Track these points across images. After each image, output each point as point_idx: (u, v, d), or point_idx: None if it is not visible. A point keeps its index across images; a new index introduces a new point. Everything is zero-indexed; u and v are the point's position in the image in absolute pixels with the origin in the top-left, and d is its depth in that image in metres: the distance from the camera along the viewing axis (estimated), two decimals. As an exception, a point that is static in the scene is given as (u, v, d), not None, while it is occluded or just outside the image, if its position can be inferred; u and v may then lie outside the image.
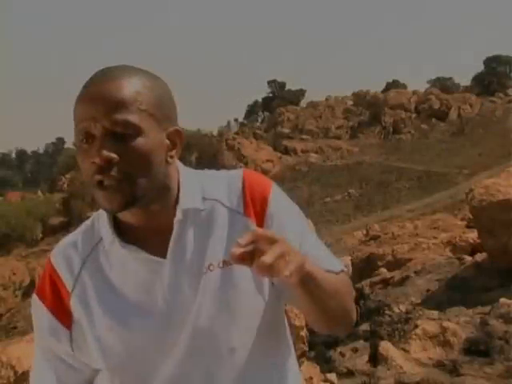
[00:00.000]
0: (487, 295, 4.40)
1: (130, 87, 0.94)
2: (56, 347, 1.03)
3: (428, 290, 5.03)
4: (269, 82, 70.41)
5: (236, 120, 74.13)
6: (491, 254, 4.87)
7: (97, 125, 0.92)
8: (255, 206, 1.05)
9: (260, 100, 72.01)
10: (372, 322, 4.00)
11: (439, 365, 3.25)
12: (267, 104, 64.52)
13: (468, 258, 5.70)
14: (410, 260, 7.06)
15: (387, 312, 4.12)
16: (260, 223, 1.03)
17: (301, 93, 66.98)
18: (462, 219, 11.84)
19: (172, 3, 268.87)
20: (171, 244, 1.00)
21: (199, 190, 1.05)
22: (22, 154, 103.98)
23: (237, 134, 53.00)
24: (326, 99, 55.81)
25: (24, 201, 40.79)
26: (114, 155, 0.91)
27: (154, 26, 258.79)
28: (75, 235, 1.09)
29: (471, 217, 6.52)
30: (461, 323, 3.65)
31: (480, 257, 5.24)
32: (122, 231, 1.01)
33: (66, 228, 36.01)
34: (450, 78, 64.42)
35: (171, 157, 1.00)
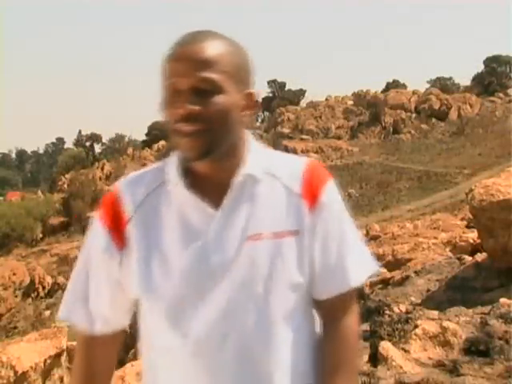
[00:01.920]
0: (487, 295, 4.40)
1: (215, 50, 1.03)
2: (106, 265, 1.11)
3: (428, 290, 5.03)
4: (269, 82, 70.40)
5: (236, 120, 74.16)
6: (491, 254, 4.87)
7: (184, 80, 1.02)
8: (311, 191, 1.11)
9: (260, 100, 71.90)
10: (372, 322, 4.00)
11: (439, 365, 3.25)
12: (267, 104, 64.51)
13: (468, 258, 5.70)
14: (409, 260, 7.06)
15: (387, 312, 4.12)
16: (312, 207, 1.10)
17: (301, 93, 66.98)
18: (462, 219, 11.85)
19: (170, 6, 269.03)
20: (225, 201, 1.08)
21: (263, 162, 1.13)
22: (22, 154, 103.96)
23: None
24: (326, 99, 55.82)
25: (24, 201, 40.76)
26: (196, 108, 1.01)
27: (155, 26, 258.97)
28: (144, 172, 1.18)
29: (471, 217, 6.52)
30: (461, 323, 3.64)
31: (480, 257, 5.24)
32: (187, 178, 1.10)
33: (65, 228, 36.04)
34: (450, 78, 64.42)
35: (245, 116, 1.09)
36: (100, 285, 1.13)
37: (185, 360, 1.08)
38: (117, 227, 1.10)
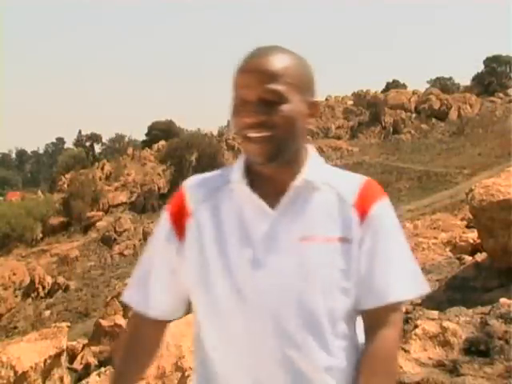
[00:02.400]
0: (487, 295, 4.40)
1: (280, 63, 1.13)
2: (166, 253, 1.24)
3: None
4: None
5: (236, 120, 74.01)
6: (491, 254, 4.87)
7: (251, 92, 1.12)
8: (363, 205, 1.17)
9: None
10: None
11: (439, 365, 3.25)
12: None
13: (468, 258, 5.70)
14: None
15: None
16: (362, 220, 1.16)
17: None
18: (462, 219, 11.84)
19: (172, 5, 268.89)
20: (282, 202, 1.16)
21: (322, 172, 1.22)
22: (22, 154, 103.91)
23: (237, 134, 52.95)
24: (326, 99, 55.72)
25: (24, 201, 40.73)
26: (263, 117, 1.11)
27: (155, 27, 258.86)
28: (210, 174, 1.30)
29: (471, 217, 6.51)
30: (461, 323, 3.64)
31: (480, 257, 5.24)
32: (249, 180, 1.19)
33: (65, 228, 36.01)
34: (450, 78, 64.36)
35: (309, 123, 1.19)
36: (159, 272, 1.25)
37: (233, 353, 1.15)
38: (179, 220, 1.22)
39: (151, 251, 1.28)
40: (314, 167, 1.21)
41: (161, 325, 1.31)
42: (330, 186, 1.19)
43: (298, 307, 1.12)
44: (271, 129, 1.12)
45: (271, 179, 1.19)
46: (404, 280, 1.18)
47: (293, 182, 1.17)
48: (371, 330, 1.17)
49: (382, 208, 1.19)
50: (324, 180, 1.20)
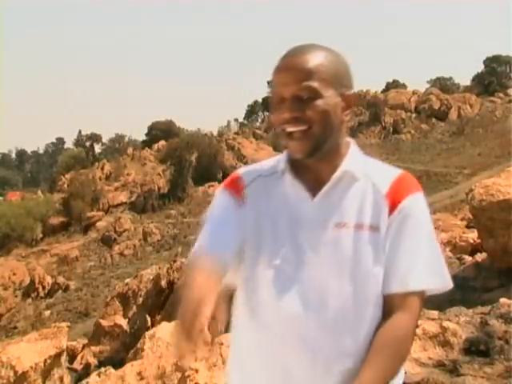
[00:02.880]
0: (487, 295, 4.40)
1: (314, 61, 1.21)
2: (229, 214, 1.29)
3: (428, 290, 5.02)
4: (269, 82, 70.01)
5: (236, 120, 74.05)
6: (491, 254, 4.87)
7: (287, 89, 1.20)
8: (396, 196, 1.24)
9: (260, 100, 71.89)
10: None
11: (439, 365, 3.25)
12: (267, 104, 64.43)
13: (468, 258, 5.70)
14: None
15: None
16: (391, 209, 1.23)
17: (301, 93, 66.89)
18: (462, 219, 11.84)
19: (171, 5, 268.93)
20: (322, 191, 1.26)
21: (360, 163, 1.29)
22: (22, 154, 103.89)
23: (237, 133, 52.93)
24: (326, 99, 55.68)
25: (24, 201, 40.67)
26: (297, 113, 1.20)
27: (155, 27, 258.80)
28: (259, 163, 1.41)
29: (471, 217, 6.51)
30: (461, 323, 3.64)
31: (480, 257, 5.24)
32: (293, 170, 1.30)
33: (65, 228, 35.97)
34: (450, 78, 64.37)
35: (346, 115, 1.26)
36: (224, 231, 1.29)
37: (275, 325, 1.23)
38: (237, 190, 1.33)
39: (214, 217, 1.32)
40: (354, 159, 1.29)
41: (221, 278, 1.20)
42: (366, 177, 1.27)
43: (331, 292, 1.20)
44: (306, 123, 1.20)
45: (313, 169, 1.28)
46: (427, 270, 1.23)
47: (334, 174, 1.26)
48: (388, 314, 1.23)
49: (414, 201, 1.24)
50: (362, 171, 1.28)
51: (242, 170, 1.40)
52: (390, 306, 1.23)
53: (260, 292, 1.27)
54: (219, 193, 1.37)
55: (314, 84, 1.19)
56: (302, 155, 1.24)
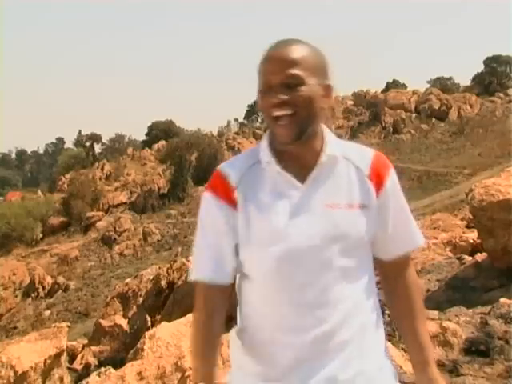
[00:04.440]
0: (487, 295, 4.40)
1: (299, 52, 1.33)
2: (226, 223, 1.39)
3: (428, 290, 5.02)
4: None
5: (236, 120, 73.96)
6: (491, 254, 4.87)
7: (275, 77, 1.32)
8: (377, 176, 1.41)
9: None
10: (372, 322, 3.98)
11: (439, 365, 3.25)
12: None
13: (468, 258, 5.69)
14: (410, 260, 7.03)
15: (387, 312, 4.12)
16: (377, 191, 1.40)
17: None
18: (462, 219, 11.83)
19: (171, 6, 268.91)
20: (310, 176, 1.37)
21: (339, 147, 1.42)
22: (22, 153, 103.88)
23: (237, 133, 52.98)
24: (326, 99, 55.62)
25: (24, 201, 40.68)
26: (285, 97, 1.31)
27: (155, 27, 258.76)
28: (238, 156, 1.49)
29: (471, 217, 6.51)
30: (461, 323, 3.64)
31: (480, 257, 5.24)
32: (277, 159, 1.39)
33: (65, 228, 35.97)
34: (450, 78, 64.34)
35: (325, 103, 1.38)
36: (222, 243, 1.41)
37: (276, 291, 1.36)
38: (227, 194, 1.39)
39: (210, 229, 1.42)
40: (333, 143, 1.42)
41: (229, 287, 1.46)
42: (347, 160, 1.41)
43: (323, 262, 1.34)
44: (293, 107, 1.31)
45: (296, 157, 1.38)
46: (418, 230, 1.50)
47: (319, 159, 1.38)
48: (400, 273, 1.49)
49: (392, 179, 1.44)
50: (342, 153, 1.41)
51: (226, 170, 1.43)
52: (397, 265, 1.49)
53: (256, 289, 1.41)
54: (209, 198, 1.41)
55: (300, 72, 1.31)
56: (288, 139, 1.34)
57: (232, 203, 1.38)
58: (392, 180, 1.44)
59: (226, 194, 1.39)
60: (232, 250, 1.41)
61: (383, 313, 1.60)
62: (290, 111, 1.32)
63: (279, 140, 1.36)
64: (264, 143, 1.42)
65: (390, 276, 1.51)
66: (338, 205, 1.36)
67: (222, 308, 1.44)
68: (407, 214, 1.48)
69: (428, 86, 59.38)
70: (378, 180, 1.40)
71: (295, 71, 1.31)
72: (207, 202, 1.42)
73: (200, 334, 1.45)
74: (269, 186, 1.38)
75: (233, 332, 1.49)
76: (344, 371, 1.35)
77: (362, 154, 1.43)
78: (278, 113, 1.32)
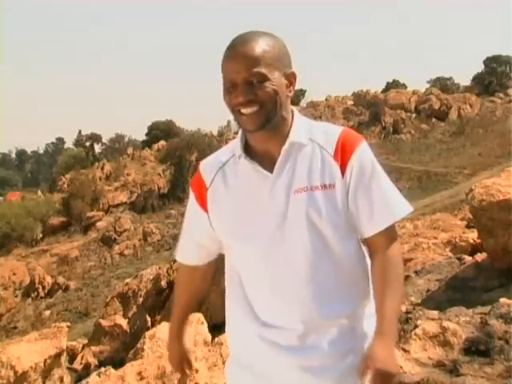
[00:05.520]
0: (487, 295, 4.40)
1: (259, 48, 1.36)
2: (199, 219, 1.57)
3: (428, 290, 5.02)
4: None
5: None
6: (491, 254, 4.87)
7: (239, 76, 1.36)
8: (342, 154, 1.42)
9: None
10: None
11: (439, 365, 3.25)
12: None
13: (468, 258, 5.69)
14: (410, 260, 7.05)
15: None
16: (342, 169, 1.41)
17: (301, 93, 66.86)
18: (462, 219, 11.84)
19: (171, 5, 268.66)
20: (276, 165, 1.43)
21: (307, 131, 1.46)
22: (22, 153, 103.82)
23: (237, 133, 52.74)
24: (326, 99, 55.71)
25: (24, 201, 40.65)
26: (251, 96, 1.37)
27: (155, 27, 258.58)
28: (219, 151, 1.61)
29: (471, 217, 6.51)
30: (461, 323, 3.64)
31: (480, 257, 5.23)
32: (248, 152, 1.47)
33: (65, 228, 35.94)
34: (450, 78, 64.27)
35: (290, 91, 1.44)
36: (199, 231, 1.59)
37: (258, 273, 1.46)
38: (200, 194, 1.54)
39: (187, 219, 1.64)
40: (299, 128, 1.46)
41: (207, 266, 1.71)
42: (312, 142, 1.45)
43: (296, 245, 1.40)
44: (258, 103, 1.37)
45: (265, 148, 1.45)
46: (399, 201, 1.48)
47: (283, 147, 1.43)
48: (379, 250, 1.46)
49: (360, 154, 1.43)
50: (309, 136, 1.45)
51: (203, 168, 1.58)
52: (376, 242, 1.46)
53: (245, 274, 1.52)
54: (190, 196, 1.60)
55: (262, 70, 1.36)
56: (253, 128, 1.40)
57: (203, 205, 1.53)
58: (359, 157, 1.43)
59: (200, 194, 1.54)
60: (202, 240, 1.60)
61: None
62: (256, 108, 1.37)
63: (245, 128, 1.44)
64: (239, 137, 1.51)
65: (370, 253, 1.52)
66: (304, 188, 1.40)
67: (190, 281, 1.73)
68: (381, 191, 1.45)
69: (428, 85, 59.34)
70: (343, 158, 1.42)
71: (258, 69, 1.35)
72: (190, 197, 1.60)
73: (174, 298, 1.78)
74: (241, 179, 1.47)
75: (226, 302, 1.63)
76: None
77: (329, 135, 1.46)
78: (244, 111, 1.38)
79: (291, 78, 1.43)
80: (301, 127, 1.46)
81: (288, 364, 1.43)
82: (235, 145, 1.52)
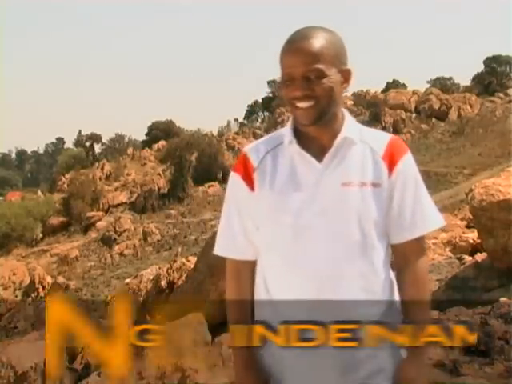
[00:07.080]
0: (487, 295, 4.40)
1: (318, 44, 1.40)
2: (245, 203, 1.52)
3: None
4: (269, 82, 70.22)
5: (236, 120, 73.86)
6: (491, 254, 4.87)
7: (297, 70, 1.40)
8: (391, 158, 1.47)
9: (260, 100, 71.86)
10: (372, 322, 3.97)
11: (439, 365, 3.25)
12: (267, 104, 64.42)
13: (468, 258, 5.70)
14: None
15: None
16: (390, 172, 1.46)
17: (301, 93, 66.72)
18: (462, 219, 11.83)
19: (171, 5, 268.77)
20: (327, 156, 1.46)
21: (357, 130, 1.51)
22: (22, 153, 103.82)
23: (237, 134, 52.93)
24: (326, 99, 55.54)
25: (24, 201, 40.63)
26: (307, 91, 1.40)
27: (155, 26, 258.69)
28: (264, 138, 1.61)
29: (471, 217, 6.51)
30: (461, 323, 3.63)
31: (480, 257, 5.24)
32: (298, 140, 1.49)
33: (65, 228, 35.95)
34: (450, 78, 64.28)
35: (344, 88, 1.47)
36: (245, 221, 1.54)
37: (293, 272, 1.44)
38: (248, 175, 1.51)
39: (232, 207, 1.57)
40: (351, 126, 1.50)
41: (254, 262, 1.58)
42: (363, 142, 1.48)
43: (338, 237, 1.42)
44: (314, 99, 1.41)
45: (316, 138, 1.48)
46: (435, 213, 1.52)
47: (335, 140, 1.46)
48: (407, 261, 1.48)
49: (407, 163, 1.50)
50: (359, 136, 1.49)
51: (249, 151, 1.55)
52: (407, 250, 1.49)
53: (277, 262, 1.48)
54: (232, 179, 1.56)
55: (320, 66, 1.39)
56: (308, 122, 1.43)
57: (251, 184, 1.51)
58: (406, 163, 1.49)
59: (246, 174, 1.52)
60: (247, 229, 1.54)
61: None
62: (312, 103, 1.41)
63: (299, 122, 1.46)
64: (289, 125, 1.52)
65: (396, 259, 1.53)
66: (352, 183, 1.44)
67: (244, 277, 1.58)
68: (421, 199, 1.49)
69: (428, 85, 59.33)
70: (391, 161, 1.47)
71: (316, 65, 1.39)
72: (231, 181, 1.56)
73: (227, 294, 1.62)
74: (289, 165, 1.49)
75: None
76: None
77: (379, 137, 1.51)
78: (300, 105, 1.42)
79: (347, 75, 1.47)
80: (353, 125, 1.51)
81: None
82: (282, 133, 1.54)
